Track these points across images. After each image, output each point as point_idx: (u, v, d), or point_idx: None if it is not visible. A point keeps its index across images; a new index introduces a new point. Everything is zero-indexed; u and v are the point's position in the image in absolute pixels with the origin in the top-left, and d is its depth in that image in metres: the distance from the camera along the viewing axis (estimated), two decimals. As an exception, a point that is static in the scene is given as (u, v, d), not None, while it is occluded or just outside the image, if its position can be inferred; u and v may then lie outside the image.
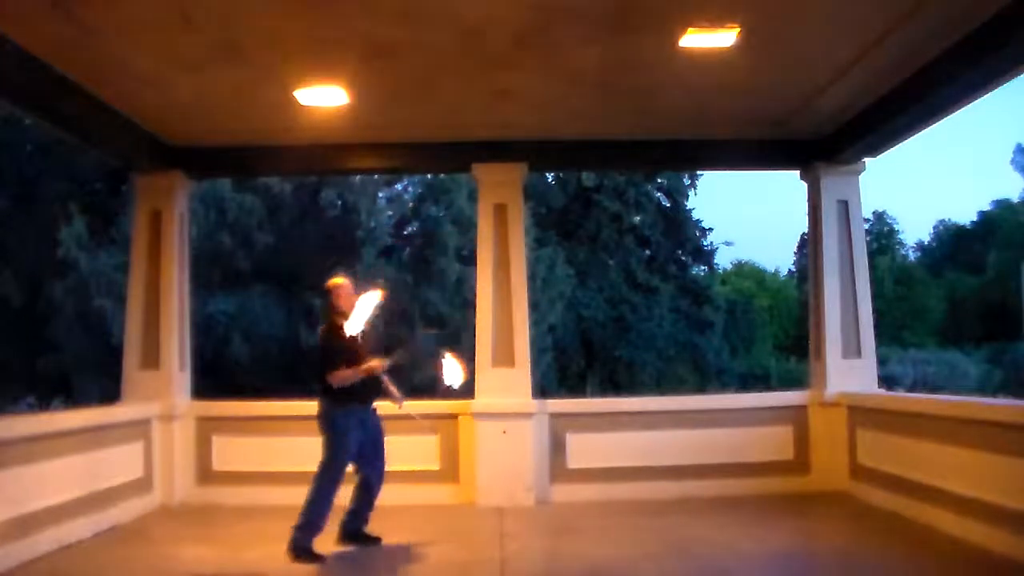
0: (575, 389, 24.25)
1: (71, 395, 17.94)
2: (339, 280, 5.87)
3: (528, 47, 5.61)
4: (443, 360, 5.94)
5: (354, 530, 5.79)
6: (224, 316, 17.74)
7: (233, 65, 5.79)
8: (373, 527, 5.88)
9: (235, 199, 18.24)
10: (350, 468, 5.74)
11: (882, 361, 11.14)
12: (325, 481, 5.58)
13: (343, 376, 5.54)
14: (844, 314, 7.74)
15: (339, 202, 19.54)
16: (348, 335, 5.59)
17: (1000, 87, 5.93)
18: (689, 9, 5.11)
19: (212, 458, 7.49)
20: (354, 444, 5.62)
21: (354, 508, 5.79)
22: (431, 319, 19.02)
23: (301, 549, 5.44)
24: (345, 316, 5.63)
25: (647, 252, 28.16)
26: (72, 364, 18.03)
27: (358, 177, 18.81)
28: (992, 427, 5.46)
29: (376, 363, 5.63)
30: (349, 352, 5.60)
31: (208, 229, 17.51)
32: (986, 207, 41.02)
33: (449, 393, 6.22)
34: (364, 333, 5.76)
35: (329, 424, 5.62)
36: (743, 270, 38.60)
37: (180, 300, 7.77)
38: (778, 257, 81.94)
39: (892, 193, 76.99)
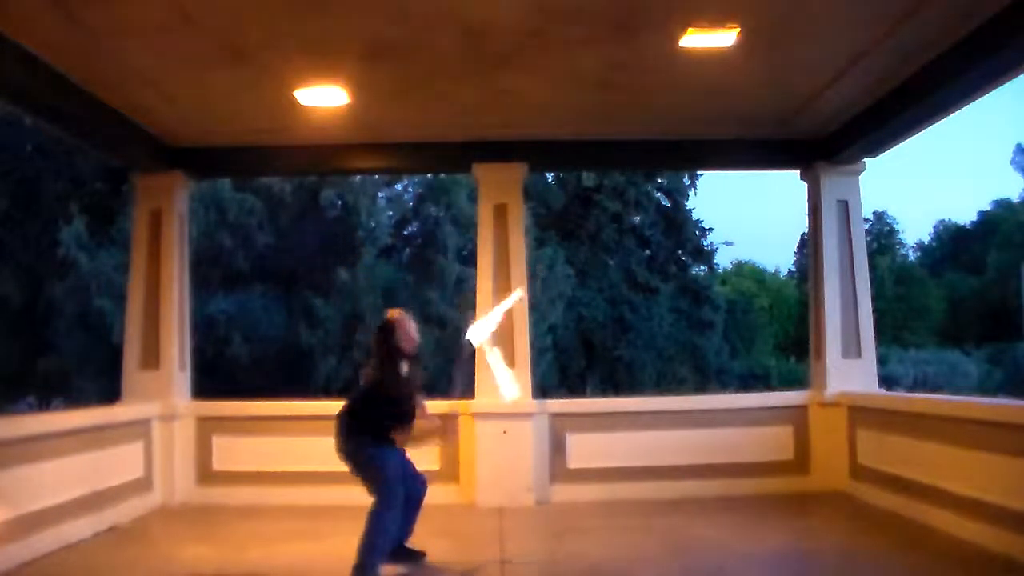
0: (575, 389, 24.22)
1: (71, 395, 17.95)
2: (398, 314, 5.14)
3: (528, 47, 5.61)
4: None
5: (398, 548, 5.21)
6: (224, 316, 17.76)
7: (233, 65, 5.78)
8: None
9: (235, 199, 18.26)
10: None
11: (882, 361, 11.16)
12: (382, 510, 4.91)
13: (404, 438, 5.04)
14: (844, 314, 7.74)
15: (339, 202, 19.57)
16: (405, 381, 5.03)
17: (1000, 87, 5.94)
18: (689, 9, 5.11)
19: (212, 458, 7.48)
20: (399, 466, 5.07)
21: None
22: (431, 319, 19.02)
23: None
24: (405, 357, 5.02)
25: (647, 252, 28.13)
26: (72, 364, 18.05)
27: (358, 177, 18.82)
28: (992, 427, 5.46)
29: (437, 430, 5.38)
30: (411, 402, 5.07)
31: (208, 229, 17.52)
32: (986, 207, 41.15)
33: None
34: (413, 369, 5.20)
35: (368, 457, 4.99)
36: (743, 270, 38.56)
37: (180, 300, 7.77)
38: (778, 257, 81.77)
39: (892, 193, 77.07)
